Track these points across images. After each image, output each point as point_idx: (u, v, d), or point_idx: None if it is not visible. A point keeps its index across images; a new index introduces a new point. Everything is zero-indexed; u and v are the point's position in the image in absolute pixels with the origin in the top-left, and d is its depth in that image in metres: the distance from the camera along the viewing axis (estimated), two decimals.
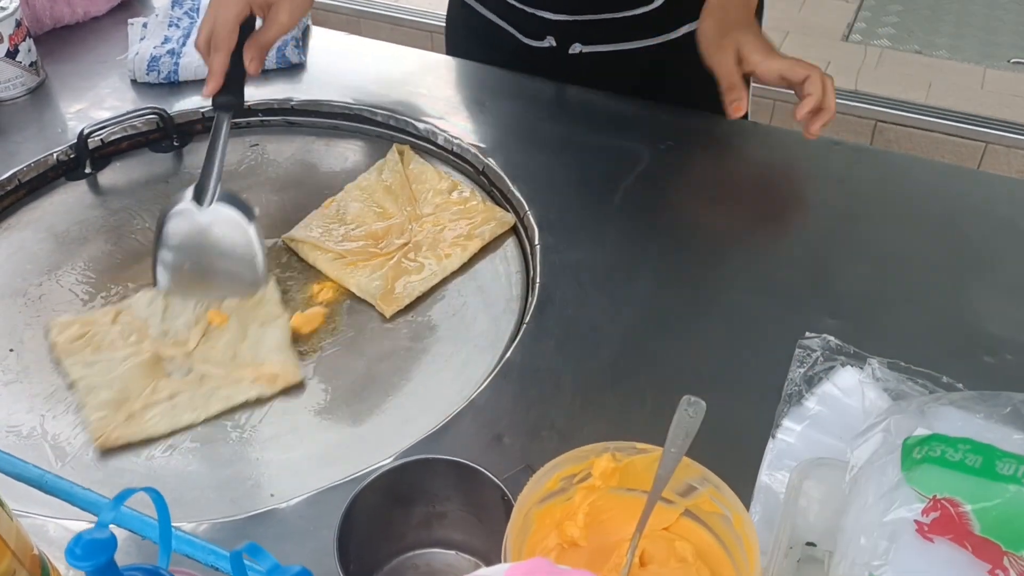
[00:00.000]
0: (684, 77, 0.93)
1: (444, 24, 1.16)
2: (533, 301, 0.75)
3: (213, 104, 0.80)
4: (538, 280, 0.76)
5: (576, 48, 1.00)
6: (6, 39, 0.96)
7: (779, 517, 0.47)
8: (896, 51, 2.28)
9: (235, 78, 0.80)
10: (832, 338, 0.62)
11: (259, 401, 0.70)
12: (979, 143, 2.05)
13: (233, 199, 0.78)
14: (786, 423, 0.56)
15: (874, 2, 2.47)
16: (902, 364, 0.58)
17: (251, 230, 0.77)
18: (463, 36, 1.12)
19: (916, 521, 0.40)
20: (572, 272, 0.77)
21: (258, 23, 0.82)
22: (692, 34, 0.91)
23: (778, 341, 0.68)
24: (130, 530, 0.48)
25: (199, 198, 0.77)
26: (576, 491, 0.46)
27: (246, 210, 0.78)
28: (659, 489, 0.43)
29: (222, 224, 0.77)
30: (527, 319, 0.73)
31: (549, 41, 1.01)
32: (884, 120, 2.09)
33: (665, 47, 0.99)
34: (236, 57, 0.79)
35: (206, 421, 0.68)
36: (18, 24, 0.97)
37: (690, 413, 0.44)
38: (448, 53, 1.12)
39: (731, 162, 0.90)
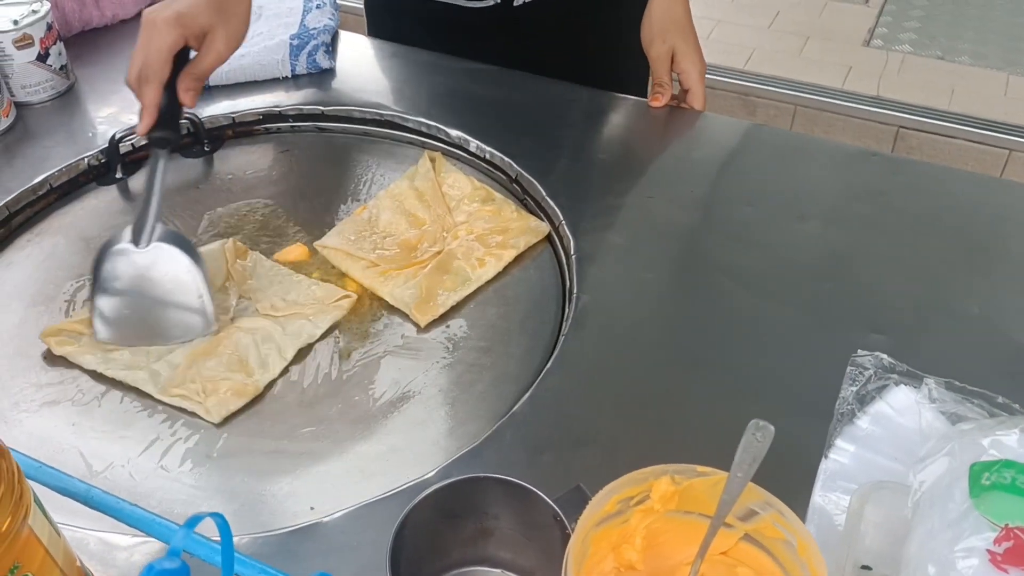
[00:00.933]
0: (625, 31, 0.98)
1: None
2: (571, 313, 0.74)
3: (148, 140, 0.77)
4: (575, 291, 0.75)
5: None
6: (37, 42, 0.96)
7: (841, 541, 0.46)
8: (918, 57, 2.27)
9: (170, 112, 0.77)
10: (885, 356, 0.60)
11: (295, 408, 0.70)
12: (1003, 150, 2.03)
13: (174, 237, 0.75)
14: (839, 443, 0.55)
15: (895, 7, 2.46)
16: (957, 384, 0.56)
17: (194, 267, 0.73)
18: (389, 19, 1.12)
19: (989, 551, 0.39)
20: (609, 284, 0.76)
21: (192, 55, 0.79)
22: None
23: (825, 357, 0.67)
24: (191, 554, 0.48)
25: (136, 239, 0.74)
26: (632, 514, 0.45)
27: (188, 248, 0.74)
28: (723, 514, 0.42)
29: (163, 264, 0.73)
30: (565, 331, 0.72)
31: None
32: (906, 127, 2.08)
33: None
34: (170, 91, 0.77)
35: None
36: (49, 27, 0.97)
37: (758, 437, 0.43)
38: (371, 35, 1.12)
39: (765, 171, 0.89)
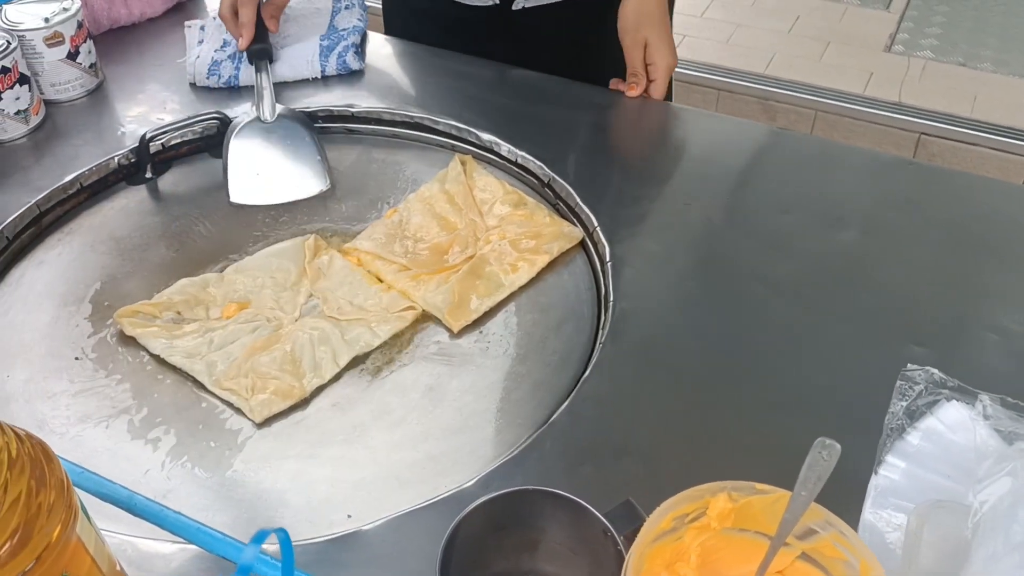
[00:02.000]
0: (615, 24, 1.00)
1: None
2: (607, 320, 0.73)
3: (249, 55, 0.99)
4: (611, 298, 0.74)
5: (519, 3, 1.04)
6: (67, 40, 0.95)
7: (901, 563, 0.45)
8: (940, 63, 2.25)
9: (262, 31, 1.00)
10: (936, 371, 0.60)
11: (330, 414, 0.69)
12: None
13: (292, 112, 0.94)
14: (889, 459, 0.54)
15: (917, 13, 2.44)
16: (1010, 400, 0.55)
17: (312, 135, 0.92)
18: (400, 15, 1.17)
19: None
20: (646, 291, 0.75)
21: None
22: None
23: (866, 370, 0.66)
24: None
25: (261, 114, 0.93)
26: (687, 531, 0.44)
27: (304, 120, 0.93)
28: (785, 533, 0.41)
29: (286, 132, 0.92)
30: (602, 339, 0.71)
31: (492, 0, 1.04)
32: (928, 133, 2.07)
33: None
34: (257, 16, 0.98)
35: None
36: (80, 25, 0.96)
37: (824, 456, 0.43)
38: (387, 33, 1.16)
39: (799, 178, 0.88)
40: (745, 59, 2.25)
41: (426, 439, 0.67)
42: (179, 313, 0.76)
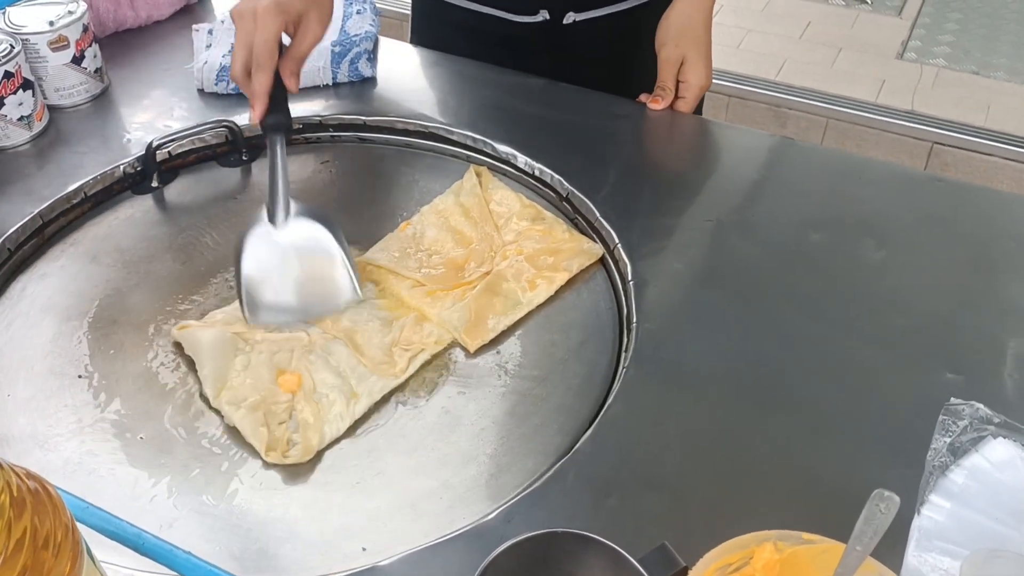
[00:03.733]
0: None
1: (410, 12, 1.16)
2: (630, 343, 0.70)
3: (263, 128, 0.78)
4: (634, 319, 0.72)
5: (570, 17, 1.01)
6: (72, 44, 0.93)
7: None
8: (953, 71, 2.23)
9: (279, 97, 0.79)
10: (981, 406, 0.57)
11: (343, 438, 0.67)
12: None
13: (310, 211, 0.76)
14: (933, 498, 0.52)
15: (929, 20, 2.42)
16: None
17: (333, 241, 0.75)
18: (435, 28, 1.11)
19: None
20: (670, 312, 0.72)
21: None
22: None
23: (904, 398, 0.64)
24: None
25: (273, 218, 0.75)
26: None
27: (325, 220, 0.76)
28: None
29: (304, 238, 0.75)
30: (626, 363, 0.69)
31: (543, 15, 1.01)
32: (941, 143, 2.04)
33: (652, 6, 1.00)
34: (275, 78, 0.78)
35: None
36: (85, 29, 0.94)
37: (882, 509, 0.40)
38: (414, 43, 1.11)
39: (827, 194, 0.85)
40: (756, 65, 2.22)
41: (443, 466, 0.64)
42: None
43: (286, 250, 0.75)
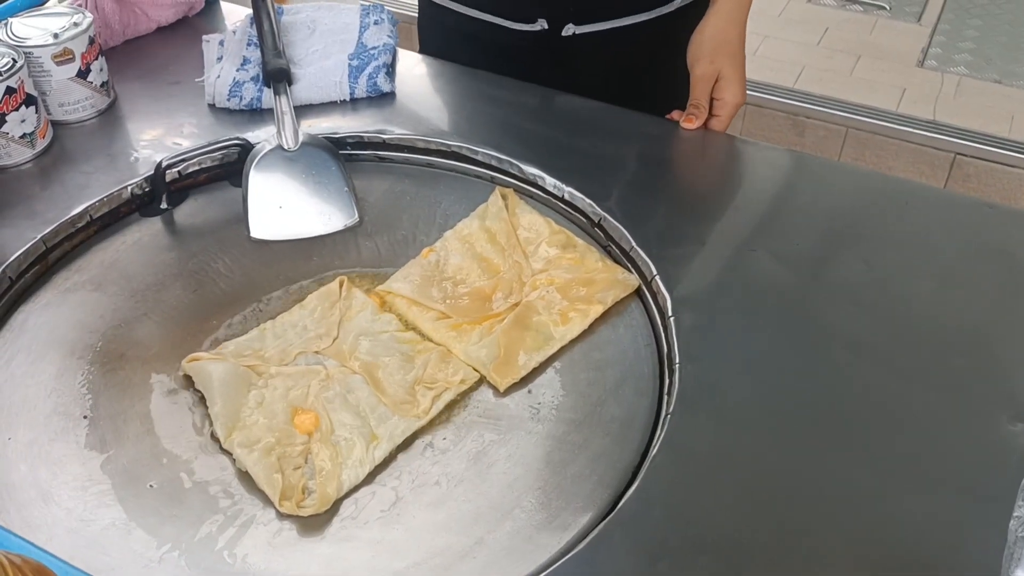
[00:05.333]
0: (673, 52, 0.94)
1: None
2: (673, 385, 0.66)
3: (266, 76, 0.91)
4: (676, 359, 0.67)
5: (569, 29, 0.97)
6: (78, 58, 0.88)
7: None
8: (975, 80, 2.18)
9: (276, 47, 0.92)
10: None
11: (362, 485, 0.62)
12: None
13: (316, 140, 0.86)
14: (1020, 574, 0.47)
15: (949, 27, 2.37)
16: None
17: (338, 164, 0.84)
18: (439, 36, 1.09)
19: None
20: (714, 352, 0.68)
21: None
22: (686, 8, 0.97)
23: (967, 446, 0.59)
24: None
25: (283, 142, 0.84)
26: None
27: (330, 148, 0.86)
28: None
29: (310, 162, 0.84)
30: (669, 407, 0.64)
31: (541, 24, 0.98)
32: (964, 154, 1.99)
33: (658, 22, 0.97)
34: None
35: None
36: (91, 41, 0.89)
37: None
38: (422, 51, 1.09)
39: (875, 222, 0.81)
40: (773, 72, 2.18)
41: (475, 521, 0.60)
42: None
43: (293, 167, 0.84)
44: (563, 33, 0.97)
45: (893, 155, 2.04)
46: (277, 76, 0.89)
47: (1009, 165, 1.96)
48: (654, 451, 0.61)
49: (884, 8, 2.44)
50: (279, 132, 0.85)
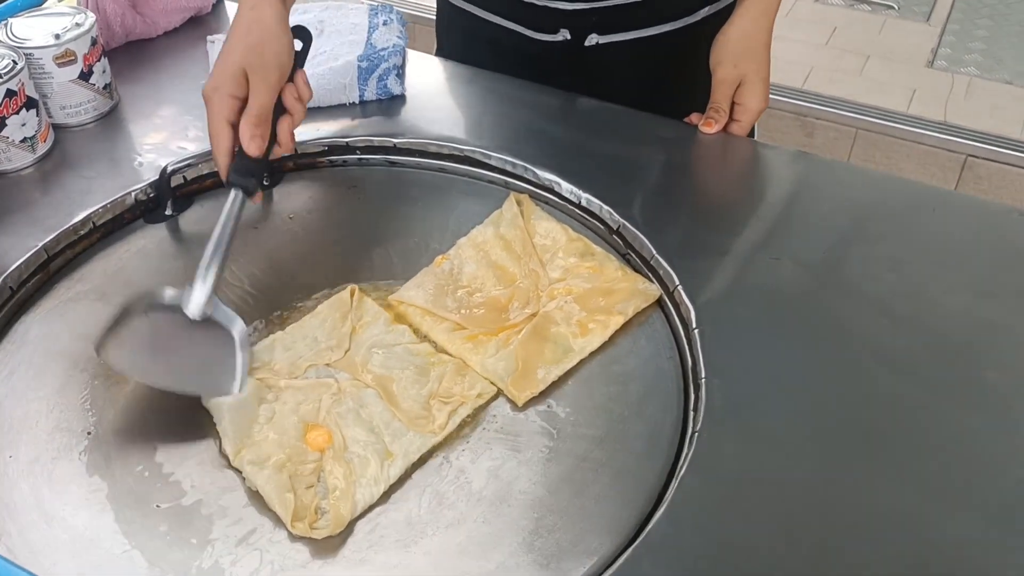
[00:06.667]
0: (694, 58, 0.91)
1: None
2: (700, 401, 0.63)
3: (233, 176, 0.72)
4: (702, 374, 0.65)
5: (592, 39, 0.94)
6: (80, 59, 0.86)
7: None
8: (985, 80, 2.15)
9: (245, 162, 0.72)
10: None
11: (376, 505, 0.60)
12: None
13: (229, 317, 0.67)
14: None
15: (958, 27, 2.35)
16: None
17: (242, 363, 0.66)
18: (457, 39, 1.06)
19: None
20: (741, 365, 0.65)
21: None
22: (711, 18, 0.94)
23: (1006, 466, 0.57)
24: None
25: (187, 303, 0.66)
26: None
27: (242, 338, 0.67)
28: None
29: (211, 343, 0.67)
30: (697, 425, 0.62)
31: (563, 35, 0.95)
32: (975, 155, 1.97)
33: (682, 32, 0.95)
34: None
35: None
36: (94, 42, 0.87)
37: None
38: (439, 55, 1.06)
39: (902, 230, 0.78)
40: (781, 72, 2.14)
41: (496, 544, 0.57)
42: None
43: (186, 340, 0.66)
44: (586, 43, 0.95)
45: (904, 157, 2.02)
46: (242, 171, 0.72)
47: (1021, 167, 1.94)
48: (682, 471, 0.58)
49: (892, 7, 2.42)
50: (198, 277, 0.67)
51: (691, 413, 0.64)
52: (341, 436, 0.64)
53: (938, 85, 2.13)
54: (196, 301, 0.66)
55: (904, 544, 0.54)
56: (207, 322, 0.67)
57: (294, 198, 0.85)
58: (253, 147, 0.71)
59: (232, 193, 0.71)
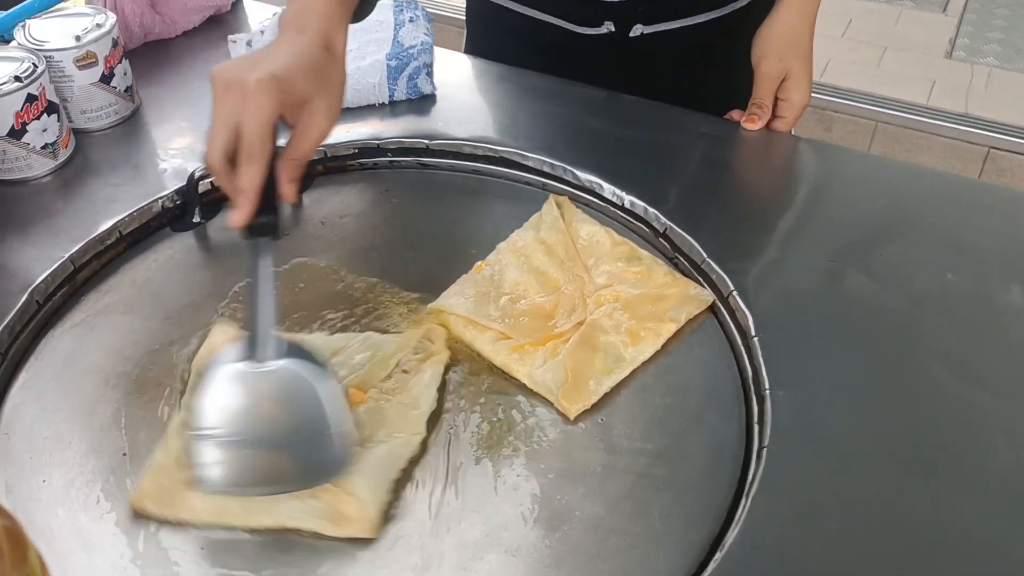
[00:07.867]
0: (735, 49, 0.89)
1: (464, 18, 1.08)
2: (766, 413, 0.60)
3: (251, 231, 0.59)
4: (766, 385, 0.62)
5: (637, 30, 0.92)
6: (101, 61, 0.83)
7: None
8: (1005, 71, 2.12)
9: (269, 195, 0.60)
10: None
11: (428, 527, 0.57)
12: None
13: (298, 351, 0.59)
14: None
15: (975, 16, 2.32)
16: None
17: (327, 393, 0.57)
18: (493, 34, 1.03)
19: None
20: (805, 375, 0.63)
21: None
22: (755, 4, 0.91)
23: None
24: None
25: (252, 355, 0.58)
26: None
27: (317, 367, 0.58)
28: None
29: (289, 390, 0.57)
30: (765, 440, 0.59)
31: (607, 27, 0.92)
32: (998, 147, 1.94)
33: (727, 18, 0.93)
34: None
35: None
36: (115, 44, 0.84)
37: None
38: (468, 52, 1.02)
39: (961, 230, 0.75)
40: None
41: (559, 569, 0.54)
42: None
43: (264, 401, 0.57)
44: (631, 34, 0.92)
45: (924, 150, 1.99)
46: (261, 230, 0.60)
47: None
48: (752, 488, 0.56)
49: None
50: (251, 326, 0.59)
51: (755, 426, 0.61)
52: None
53: (958, 76, 2.10)
54: (263, 343, 0.58)
55: (990, 569, 0.51)
56: (282, 375, 0.57)
57: (324, 204, 0.82)
58: (291, 191, 0.60)
59: (263, 244, 0.59)
